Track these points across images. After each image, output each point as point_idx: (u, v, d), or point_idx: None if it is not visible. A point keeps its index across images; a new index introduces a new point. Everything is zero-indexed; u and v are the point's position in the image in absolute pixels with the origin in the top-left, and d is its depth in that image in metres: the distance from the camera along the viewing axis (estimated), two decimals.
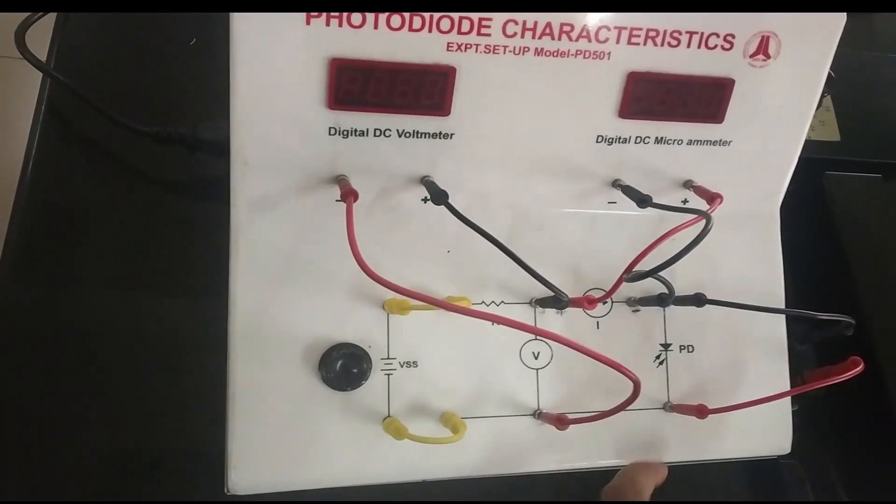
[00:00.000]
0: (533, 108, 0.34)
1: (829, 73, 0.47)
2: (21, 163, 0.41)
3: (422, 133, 0.33)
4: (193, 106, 0.43)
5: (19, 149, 0.41)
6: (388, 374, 0.35)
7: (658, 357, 0.39)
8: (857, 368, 0.39)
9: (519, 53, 0.32)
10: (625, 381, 0.38)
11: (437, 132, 0.34)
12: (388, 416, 0.34)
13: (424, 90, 0.32)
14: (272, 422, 0.33)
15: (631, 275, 0.33)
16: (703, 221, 0.33)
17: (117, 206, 0.42)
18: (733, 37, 0.35)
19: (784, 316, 0.41)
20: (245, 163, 0.32)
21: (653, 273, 0.33)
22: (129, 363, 0.39)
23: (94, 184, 0.42)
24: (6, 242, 0.39)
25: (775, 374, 0.41)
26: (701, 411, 0.37)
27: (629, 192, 0.36)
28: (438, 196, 0.33)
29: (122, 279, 0.40)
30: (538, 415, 0.36)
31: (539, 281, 0.32)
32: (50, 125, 0.43)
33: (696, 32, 0.34)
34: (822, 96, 0.48)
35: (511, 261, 0.33)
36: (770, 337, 0.41)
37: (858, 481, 0.43)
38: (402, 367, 0.35)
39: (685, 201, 0.39)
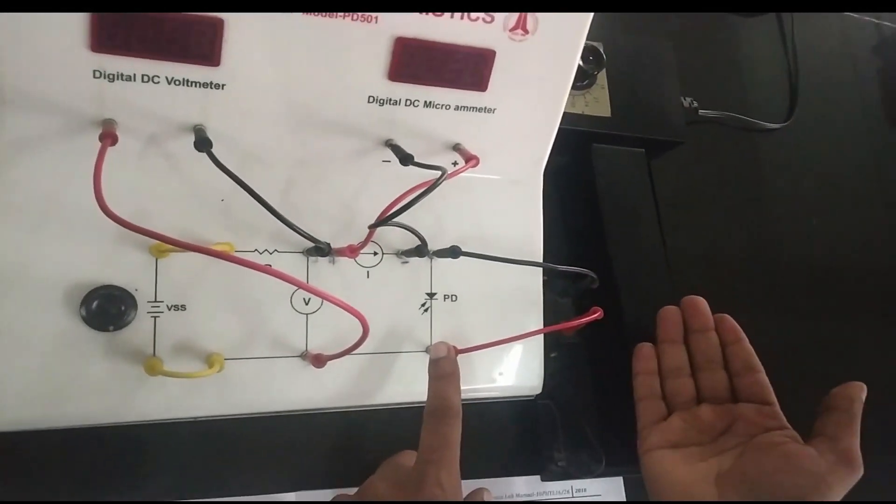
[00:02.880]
0: (304, 67, 0.36)
1: (601, 52, 0.52)
2: None
3: (192, 82, 0.34)
4: None
5: None
6: (155, 317, 0.36)
7: (423, 305, 0.42)
8: (595, 315, 0.45)
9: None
10: (391, 327, 0.41)
11: (208, 82, 0.35)
12: (153, 355, 0.35)
13: (193, 39, 0.33)
14: (30, 360, 0.33)
15: (376, 222, 0.36)
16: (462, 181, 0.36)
17: None
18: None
19: (541, 270, 0.46)
20: (3, 101, 0.32)
21: (390, 219, 0.36)
22: None
23: None
24: None
25: (531, 320, 0.45)
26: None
27: (396, 150, 0.39)
28: (202, 144, 0.34)
29: None
30: (304, 356, 0.39)
31: (295, 230, 0.34)
32: None
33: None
34: (595, 73, 0.53)
35: (284, 212, 0.35)
36: (527, 287, 0.45)
37: (605, 423, 0.49)
38: (169, 310, 0.36)
39: (455, 163, 0.42)
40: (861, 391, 0.41)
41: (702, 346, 0.45)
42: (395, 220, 0.36)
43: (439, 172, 0.37)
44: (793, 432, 0.40)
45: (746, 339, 0.45)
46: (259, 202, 0.33)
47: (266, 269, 0.31)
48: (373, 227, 0.36)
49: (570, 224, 0.52)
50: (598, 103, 0.53)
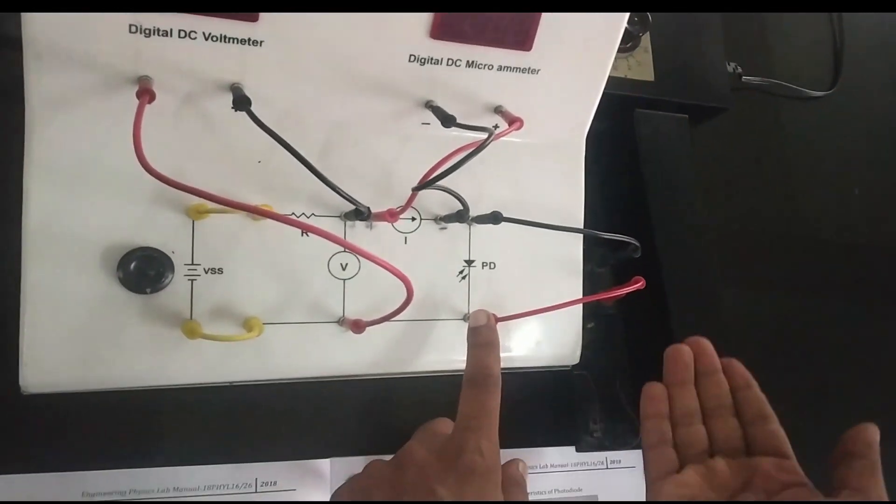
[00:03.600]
0: (345, 24, 0.35)
1: (647, 15, 0.50)
2: None
3: (229, 38, 0.33)
4: None
5: None
6: (192, 280, 0.35)
7: (461, 272, 0.41)
8: (638, 284, 0.43)
9: None
10: (428, 294, 0.40)
11: (246, 38, 0.33)
12: (190, 318, 0.35)
13: None
14: (67, 321, 0.33)
15: (418, 185, 0.35)
16: (503, 145, 0.35)
17: None
18: None
19: (581, 238, 0.44)
20: (38, 57, 0.31)
21: (433, 182, 0.35)
22: None
23: None
24: None
25: (570, 289, 0.44)
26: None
27: (437, 112, 0.38)
28: (241, 102, 0.33)
29: None
30: (342, 321, 0.38)
31: (336, 192, 0.33)
32: None
33: None
34: (640, 37, 0.51)
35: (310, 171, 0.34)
36: (567, 256, 0.44)
37: (637, 391, 0.48)
38: (206, 273, 0.35)
39: (496, 126, 0.41)
40: (876, 434, 0.38)
41: (711, 390, 0.42)
42: (438, 183, 0.35)
43: (483, 134, 0.36)
44: (814, 489, 0.38)
45: (757, 386, 0.42)
46: (300, 161, 0.32)
47: (311, 228, 0.30)
48: (416, 189, 0.35)
49: (609, 191, 0.51)
50: (642, 67, 0.51)
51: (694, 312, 0.46)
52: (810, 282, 0.60)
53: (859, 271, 0.62)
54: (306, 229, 0.30)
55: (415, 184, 0.39)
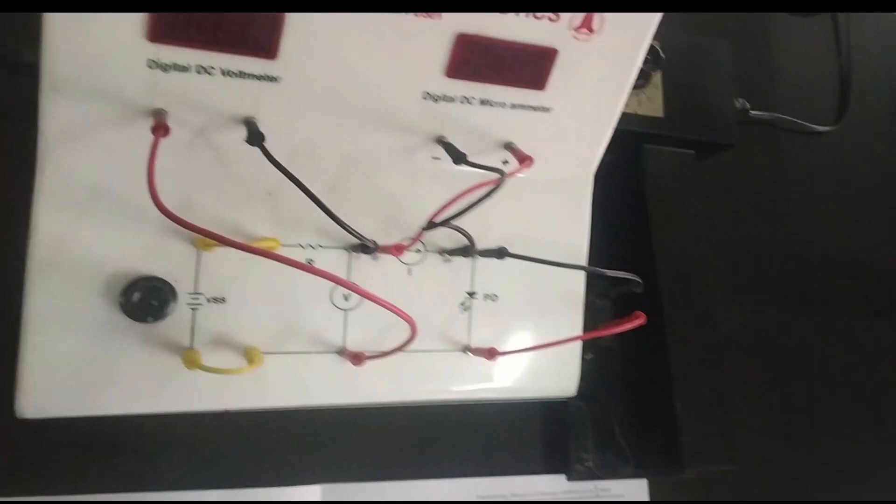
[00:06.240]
0: (362, 61, 0.34)
1: (660, 53, 0.50)
2: None
3: (247, 74, 0.33)
4: (15, 26, 0.39)
5: None
6: (195, 309, 0.35)
7: (463, 303, 0.41)
8: (639, 321, 0.43)
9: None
10: (429, 324, 0.41)
11: (263, 74, 0.33)
12: (191, 348, 0.35)
13: (252, 31, 0.31)
14: (67, 348, 0.33)
15: (429, 224, 0.35)
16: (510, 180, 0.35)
17: None
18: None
19: (584, 273, 0.45)
20: (55, 89, 0.31)
21: (446, 223, 0.35)
22: None
23: None
24: None
25: (570, 323, 0.44)
26: (490, 354, 0.41)
27: (449, 148, 0.38)
28: (255, 137, 0.33)
29: None
30: (342, 352, 0.38)
31: (342, 227, 0.33)
32: None
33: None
34: (652, 73, 0.51)
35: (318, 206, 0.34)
36: (569, 290, 0.44)
37: (634, 424, 0.49)
38: (208, 302, 0.35)
39: (505, 162, 0.41)
40: None
41: None
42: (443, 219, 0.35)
43: (490, 172, 0.36)
44: None
45: None
46: (310, 198, 0.32)
47: (315, 270, 0.30)
48: (427, 229, 0.35)
49: (613, 223, 0.51)
50: (651, 103, 0.51)
51: (692, 348, 0.47)
52: (816, 318, 0.60)
53: (869, 304, 0.63)
54: (310, 272, 0.30)
55: (423, 217, 0.40)
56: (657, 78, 0.52)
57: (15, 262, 0.33)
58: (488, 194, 0.34)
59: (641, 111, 0.51)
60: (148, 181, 0.29)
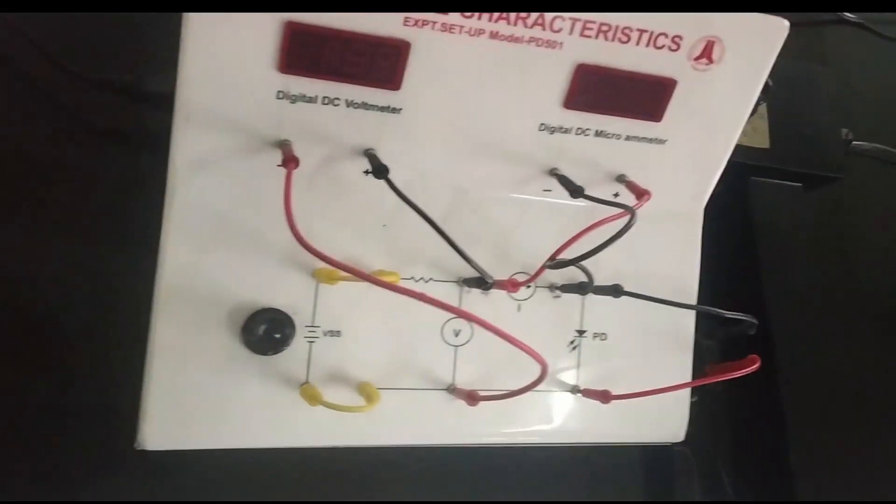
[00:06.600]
0: (482, 91, 0.34)
1: (767, 82, 0.49)
2: None
3: (370, 105, 0.33)
4: (138, 54, 0.40)
5: None
6: (311, 342, 0.35)
7: (572, 342, 0.40)
8: (754, 366, 0.41)
9: (474, 35, 0.32)
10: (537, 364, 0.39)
11: (386, 106, 0.33)
12: (307, 382, 0.34)
13: (377, 62, 0.31)
14: (189, 380, 0.33)
15: (554, 262, 0.34)
16: (628, 216, 0.34)
17: (51, 152, 0.39)
18: (681, 38, 0.36)
19: (694, 312, 0.43)
20: (187, 119, 0.31)
21: (574, 262, 0.34)
22: (52, 315, 0.38)
23: (27, 127, 0.39)
24: None
25: (680, 365, 0.43)
26: (605, 397, 0.39)
27: (564, 181, 0.37)
28: (380, 170, 0.32)
29: (49, 228, 0.39)
30: (452, 390, 0.37)
31: (469, 263, 0.33)
32: None
33: (647, 31, 0.35)
34: (758, 104, 0.49)
35: (443, 239, 0.34)
36: (679, 331, 0.43)
37: (743, 473, 0.46)
38: (325, 335, 0.35)
39: (616, 195, 0.40)
40: None
41: None
42: (562, 258, 0.34)
43: (612, 207, 0.35)
44: None
45: None
46: (438, 233, 0.32)
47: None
48: (551, 267, 0.34)
49: (717, 258, 0.49)
50: (757, 134, 0.50)
51: (808, 394, 0.44)
52: None
53: None
54: (425, 301, 0.29)
55: (532, 252, 0.39)
56: (762, 108, 0.50)
57: (137, 291, 0.34)
58: (619, 234, 0.33)
59: (747, 142, 0.49)
60: (286, 215, 0.29)
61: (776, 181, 0.50)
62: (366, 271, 0.34)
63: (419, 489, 0.42)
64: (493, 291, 0.39)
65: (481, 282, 0.36)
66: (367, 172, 0.35)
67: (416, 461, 0.41)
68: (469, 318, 0.29)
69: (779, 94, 0.50)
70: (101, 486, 0.38)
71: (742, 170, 0.49)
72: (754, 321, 0.42)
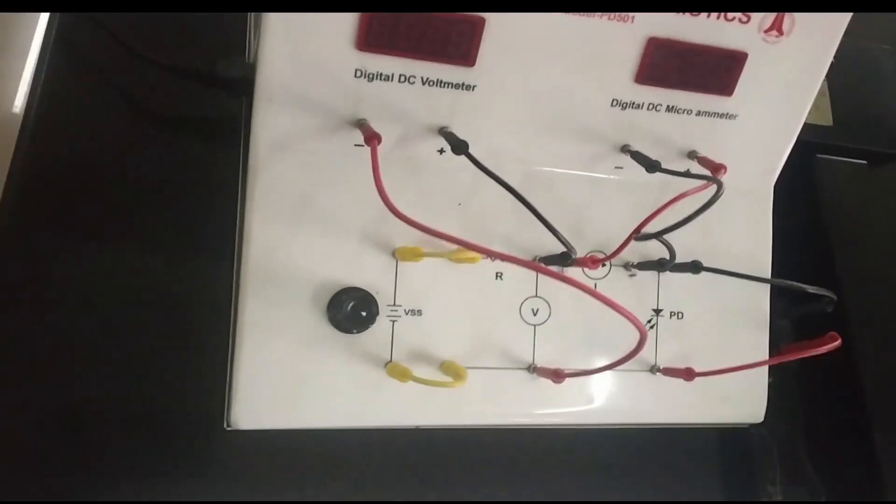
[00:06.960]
0: (555, 67, 0.34)
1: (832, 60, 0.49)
2: (28, 89, 0.39)
3: (445, 82, 0.33)
4: (210, 40, 0.41)
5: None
6: (394, 321, 0.35)
7: (649, 321, 0.40)
8: (835, 343, 0.40)
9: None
10: (618, 341, 0.39)
11: (461, 83, 0.34)
12: (391, 360, 0.35)
13: (452, 39, 0.32)
14: (277, 359, 0.33)
15: (640, 235, 0.34)
16: (714, 188, 0.34)
17: (126, 138, 0.40)
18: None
19: (769, 289, 0.42)
20: (269, 99, 0.32)
21: (660, 235, 0.34)
22: (128, 311, 0.37)
23: (102, 114, 0.40)
24: (9, 174, 0.37)
25: (756, 344, 0.42)
26: (689, 374, 0.38)
27: (638, 157, 0.37)
28: (458, 146, 0.33)
29: (123, 219, 0.39)
30: (532, 369, 0.37)
31: (555, 235, 0.33)
32: (58, 51, 0.40)
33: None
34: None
35: (517, 217, 0.34)
36: (754, 308, 0.42)
37: (824, 455, 0.45)
38: (406, 314, 0.35)
39: (688, 171, 0.40)
40: None
41: None
42: (646, 232, 0.34)
43: (694, 179, 0.34)
44: None
45: None
46: (527, 207, 0.32)
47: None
48: (640, 239, 0.34)
49: (786, 239, 0.49)
50: (819, 111, 0.49)
51: (888, 371, 0.43)
52: None
53: None
54: (523, 265, 0.30)
55: (605, 229, 0.39)
56: (824, 85, 0.49)
57: (221, 274, 0.34)
58: (710, 203, 0.33)
59: (809, 119, 0.48)
60: (378, 188, 0.29)
61: (841, 159, 0.49)
62: (446, 250, 0.34)
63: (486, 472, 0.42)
64: (569, 270, 0.39)
65: (562, 258, 0.36)
66: (441, 151, 0.35)
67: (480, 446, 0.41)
68: (575, 284, 0.28)
69: (840, 73, 0.50)
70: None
71: (807, 147, 0.48)
72: (833, 297, 0.41)
